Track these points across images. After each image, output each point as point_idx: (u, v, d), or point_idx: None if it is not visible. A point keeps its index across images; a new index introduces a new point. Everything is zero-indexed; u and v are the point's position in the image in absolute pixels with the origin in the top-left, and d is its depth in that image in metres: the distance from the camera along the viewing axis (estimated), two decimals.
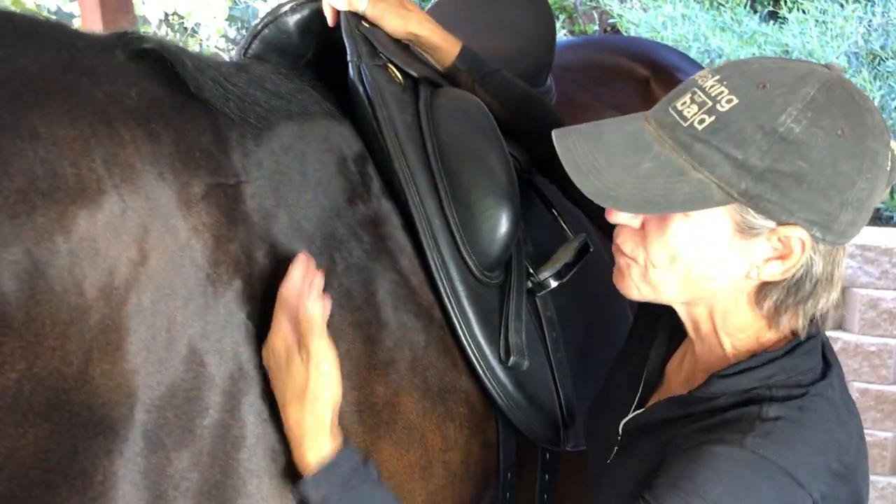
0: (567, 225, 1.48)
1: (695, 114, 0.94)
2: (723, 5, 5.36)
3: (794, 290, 0.98)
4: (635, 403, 1.20)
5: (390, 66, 1.34)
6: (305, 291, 1.05)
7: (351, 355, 1.17)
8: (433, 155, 1.29)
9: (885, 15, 4.83)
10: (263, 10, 5.44)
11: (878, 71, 4.43)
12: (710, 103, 0.94)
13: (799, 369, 1.01)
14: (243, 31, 5.91)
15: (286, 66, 1.39)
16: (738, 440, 0.95)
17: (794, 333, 1.04)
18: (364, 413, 1.16)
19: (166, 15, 5.08)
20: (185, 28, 5.22)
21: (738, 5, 5.30)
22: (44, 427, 0.87)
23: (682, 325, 1.14)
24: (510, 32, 1.73)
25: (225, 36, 5.42)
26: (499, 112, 1.40)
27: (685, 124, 0.95)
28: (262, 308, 1.09)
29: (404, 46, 1.41)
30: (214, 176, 1.08)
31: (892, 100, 4.25)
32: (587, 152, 0.99)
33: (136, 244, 0.96)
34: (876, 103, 4.17)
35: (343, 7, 1.33)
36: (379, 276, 1.24)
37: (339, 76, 1.39)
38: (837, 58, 4.39)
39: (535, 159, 1.44)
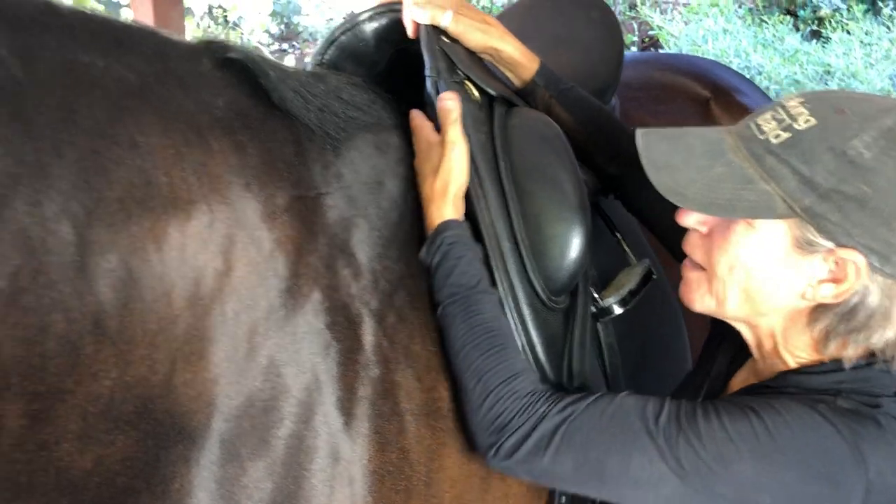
0: (630, 249, 1.46)
1: (772, 129, 0.98)
2: (765, 22, 5.32)
3: (846, 317, 0.98)
4: None
5: (467, 82, 1.30)
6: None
7: (420, 357, 1.16)
8: (506, 176, 1.26)
9: None
10: (305, 5, 5.46)
11: None
12: (789, 121, 0.97)
13: (872, 383, 1.01)
14: (282, 27, 5.94)
15: (360, 75, 1.39)
16: (809, 404, 0.98)
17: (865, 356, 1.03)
18: (431, 417, 1.16)
19: (210, 8, 5.11)
20: (228, 21, 5.26)
21: (781, 23, 5.26)
22: (131, 434, 0.88)
23: (745, 346, 1.14)
24: (577, 49, 1.71)
25: (267, 31, 5.44)
26: (573, 128, 1.39)
27: (761, 137, 0.98)
28: (340, 318, 1.08)
29: (480, 62, 1.39)
30: (297, 188, 1.08)
31: None
32: (665, 150, 1.03)
33: (221, 255, 0.96)
34: None
35: (425, 21, 1.29)
36: None
37: (412, 87, 1.38)
38: (882, 81, 4.35)
39: (605, 177, 1.43)
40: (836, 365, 1.02)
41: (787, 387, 1.05)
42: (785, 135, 0.97)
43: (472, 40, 1.35)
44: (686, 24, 5.48)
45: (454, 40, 1.35)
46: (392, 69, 1.43)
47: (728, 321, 1.12)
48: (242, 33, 5.27)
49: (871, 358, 1.02)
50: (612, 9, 6.62)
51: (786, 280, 1.00)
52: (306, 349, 1.04)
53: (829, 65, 4.64)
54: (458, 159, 1.21)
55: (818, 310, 1.01)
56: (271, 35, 5.44)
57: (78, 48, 0.90)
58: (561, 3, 1.81)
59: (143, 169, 0.90)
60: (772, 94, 4.79)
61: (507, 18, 1.81)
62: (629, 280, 1.39)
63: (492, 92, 1.34)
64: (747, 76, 4.87)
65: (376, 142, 1.25)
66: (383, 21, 1.37)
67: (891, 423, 0.98)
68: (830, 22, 5.12)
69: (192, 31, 4.91)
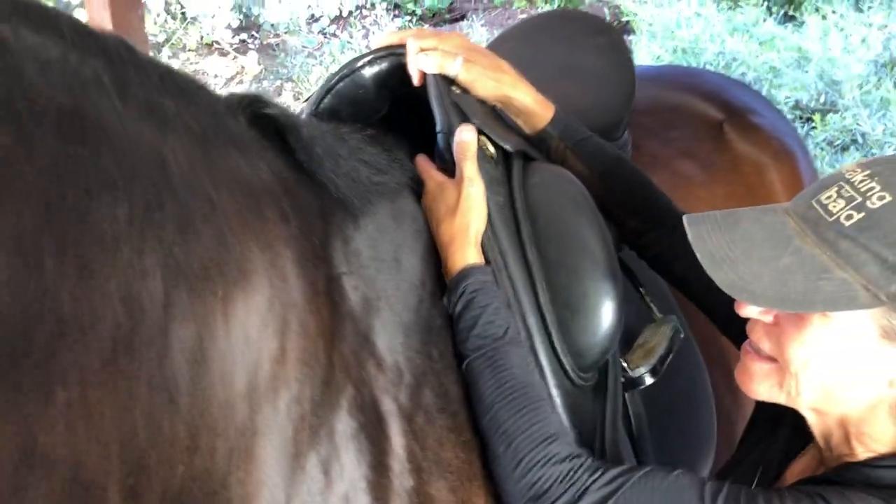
0: (654, 305, 1.35)
1: (841, 209, 0.90)
2: (739, 5, 5.23)
3: None
4: None
5: (482, 137, 1.20)
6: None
7: (452, 466, 1.07)
8: (529, 242, 1.16)
9: None
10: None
11: None
12: (859, 199, 0.89)
13: None
14: (241, 18, 5.71)
15: (359, 123, 1.26)
16: (886, 499, 0.92)
17: None
18: None
19: (167, 3, 4.85)
20: (186, 17, 5.01)
21: (754, 6, 5.17)
22: None
23: (805, 429, 1.06)
24: (585, 80, 1.57)
25: (228, 26, 5.20)
26: (590, 181, 1.28)
27: (830, 219, 0.91)
28: (372, 418, 0.99)
29: (493, 111, 1.27)
30: (328, 266, 1.01)
31: None
32: (722, 242, 0.95)
33: (278, 338, 0.90)
34: None
35: (433, 70, 1.19)
36: None
37: (416, 133, 1.25)
38: (860, 66, 4.28)
39: (625, 232, 1.32)
40: None
41: (852, 480, 0.96)
42: (858, 215, 0.88)
43: (484, 89, 1.23)
44: (658, 7, 5.37)
45: (464, 89, 1.22)
46: (393, 115, 1.30)
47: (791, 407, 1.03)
48: (201, 28, 5.03)
49: None
50: None
51: (871, 371, 0.92)
52: (343, 452, 0.96)
53: (806, 50, 4.57)
54: (478, 197, 1.13)
55: None
56: (234, 30, 5.22)
57: (153, 88, 0.84)
58: (564, 29, 1.68)
59: (221, 230, 0.83)
60: (748, 81, 4.73)
61: (502, 45, 1.67)
62: (657, 342, 1.29)
63: (508, 148, 1.22)
64: (721, 63, 4.83)
65: (393, 211, 1.14)
66: (384, 66, 1.25)
67: None
68: (805, 6, 5.06)
69: (150, 27, 4.68)
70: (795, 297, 0.89)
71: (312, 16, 5.84)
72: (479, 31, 5.72)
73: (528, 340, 1.13)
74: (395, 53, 1.24)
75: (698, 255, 0.95)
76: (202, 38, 5.26)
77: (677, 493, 0.96)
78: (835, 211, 0.90)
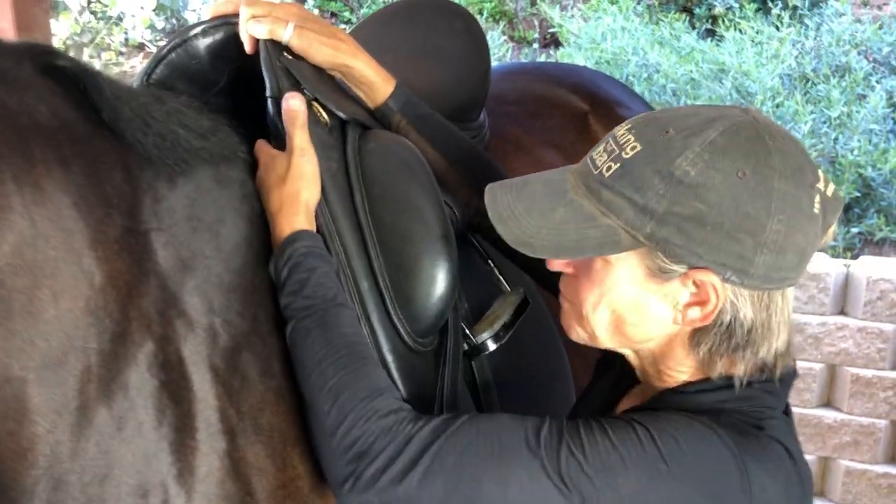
0: (504, 277, 1.38)
1: (604, 161, 0.97)
2: (662, 20, 5.38)
3: (725, 336, 0.97)
4: None
5: (315, 103, 1.18)
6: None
7: (275, 430, 1.05)
8: (362, 207, 1.15)
9: (817, 38, 4.91)
10: (193, 0, 5.21)
11: (810, 94, 4.48)
12: (617, 151, 0.96)
13: (755, 403, 0.99)
14: (173, 21, 5.68)
15: (195, 96, 1.25)
16: (695, 416, 0.97)
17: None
18: (289, 499, 1.05)
19: (88, 2, 4.79)
20: (110, 17, 4.95)
21: (677, 20, 5.32)
22: None
23: (630, 372, 1.11)
24: (441, 61, 1.57)
25: (152, 26, 5.15)
26: (432, 157, 1.26)
27: (595, 172, 0.97)
28: (176, 376, 0.97)
29: (330, 80, 1.24)
30: (127, 218, 0.97)
31: (823, 123, 4.30)
32: (509, 201, 1.01)
33: (48, 283, 0.86)
34: (807, 128, 4.20)
35: (263, 35, 1.15)
36: None
37: (258, 108, 1.25)
38: (772, 79, 4.43)
39: (468, 212, 1.31)
40: (718, 383, 0.99)
41: (666, 407, 1.02)
42: (615, 166, 0.95)
43: (319, 56, 1.21)
44: (585, 21, 5.49)
45: (299, 57, 1.20)
46: (233, 89, 1.30)
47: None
48: (126, 29, 4.99)
49: (756, 375, 0.99)
50: (513, 6, 6.56)
51: (651, 310, 0.98)
52: (141, 409, 0.93)
53: (723, 63, 4.70)
54: (309, 165, 1.12)
55: (698, 332, 0.98)
56: (157, 30, 5.18)
57: None
58: (421, 14, 1.69)
59: None
60: (668, 92, 4.86)
61: (364, 31, 1.68)
62: (503, 311, 1.31)
63: (342, 115, 1.21)
64: (644, 75, 4.94)
65: (217, 175, 1.12)
66: (218, 36, 1.21)
67: (772, 444, 0.96)
68: (724, 20, 5.22)
69: (70, 26, 4.62)
70: (569, 245, 0.96)
71: None
72: None
73: (361, 305, 1.13)
74: (230, 23, 1.20)
75: (490, 216, 1.00)
76: (127, 39, 5.20)
77: (500, 429, 0.97)
78: (599, 164, 0.96)
